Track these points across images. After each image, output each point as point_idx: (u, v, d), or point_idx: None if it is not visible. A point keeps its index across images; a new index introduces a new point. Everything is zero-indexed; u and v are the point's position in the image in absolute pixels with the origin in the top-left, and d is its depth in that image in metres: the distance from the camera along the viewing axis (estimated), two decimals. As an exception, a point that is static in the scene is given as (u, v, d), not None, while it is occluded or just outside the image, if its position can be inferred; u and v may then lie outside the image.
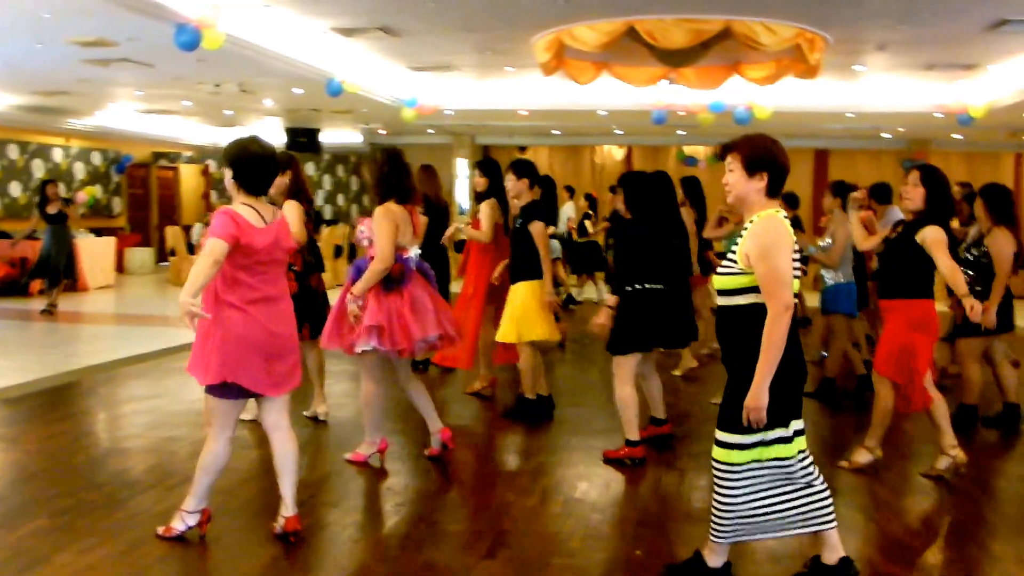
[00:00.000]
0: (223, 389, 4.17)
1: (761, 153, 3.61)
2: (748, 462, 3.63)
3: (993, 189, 6.76)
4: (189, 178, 22.44)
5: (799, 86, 12.32)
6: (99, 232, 17.56)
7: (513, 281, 6.87)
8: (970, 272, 6.64)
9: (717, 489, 3.71)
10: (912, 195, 5.32)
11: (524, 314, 6.72)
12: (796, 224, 10.52)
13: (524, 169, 6.90)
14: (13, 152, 17.34)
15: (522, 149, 22.79)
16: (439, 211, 8.22)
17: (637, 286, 5.73)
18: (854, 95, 14.40)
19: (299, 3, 9.31)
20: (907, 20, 9.50)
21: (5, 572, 3.98)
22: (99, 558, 4.14)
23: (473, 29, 10.47)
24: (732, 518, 3.70)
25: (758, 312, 3.54)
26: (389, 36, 10.72)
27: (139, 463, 5.70)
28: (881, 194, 8.35)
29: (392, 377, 5.69)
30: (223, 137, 21.00)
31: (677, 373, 8.70)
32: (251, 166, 4.22)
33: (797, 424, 3.67)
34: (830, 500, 3.75)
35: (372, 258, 5.34)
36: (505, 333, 6.82)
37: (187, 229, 18.98)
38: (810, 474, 3.71)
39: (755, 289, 3.57)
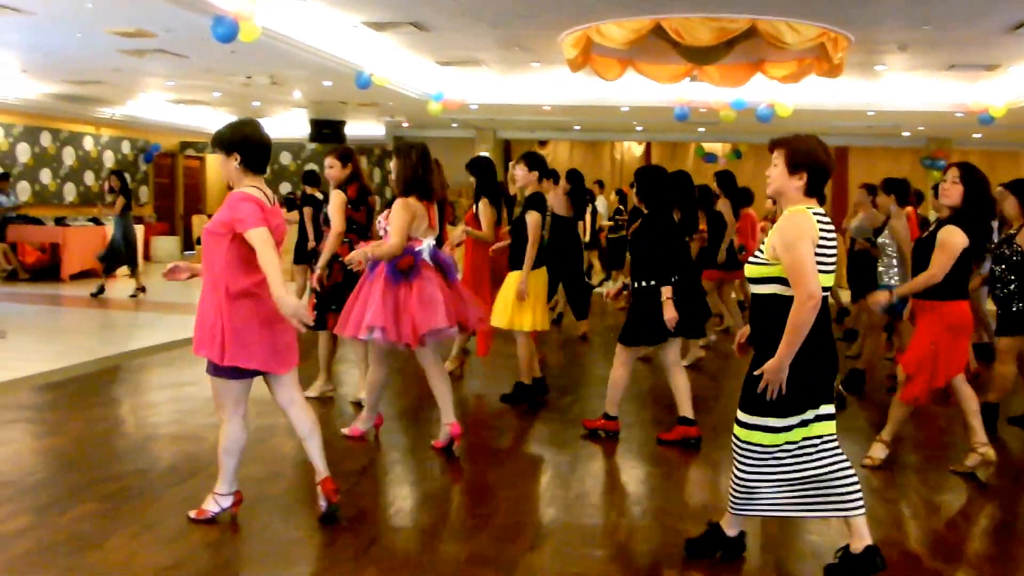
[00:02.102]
0: (234, 371, 4.31)
1: (804, 153, 3.78)
2: (781, 443, 3.82)
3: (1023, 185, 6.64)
4: (215, 168, 22.64)
5: (820, 84, 12.41)
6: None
7: (511, 268, 7.11)
8: (1003, 268, 6.55)
9: (736, 466, 3.92)
10: (950, 192, 5.27)
11: (518, 303, 6.94)
12: None
13: (535, 162, 7.13)
14: (45, 139, 17.61)
15: (542, 144, 22.88)
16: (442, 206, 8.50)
17: (652, 281, 5.93)
18: (875, 94, 14.49)
19: (333, -3, 9.47)
20: (929, 21, 9.59)
21: (59, 554, 4.08)
22: (148, 543, 4.24)
23: (502, 25, 10.59)
24: (747, 494, 3.93)
25: (779, 301, 3.74)
26: (419, 30, 10.84)
27: (179, 450, 5.83)
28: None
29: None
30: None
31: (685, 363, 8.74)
32: (258, 148, 4.32)
33: (826, 408, 3.88)
34: (857, 487, 3.90)
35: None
36: (498, 319, 7.03)
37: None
38: (835, 459, 3.90)
39: (777, 280, 3.76)
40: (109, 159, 19.22)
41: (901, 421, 5.69)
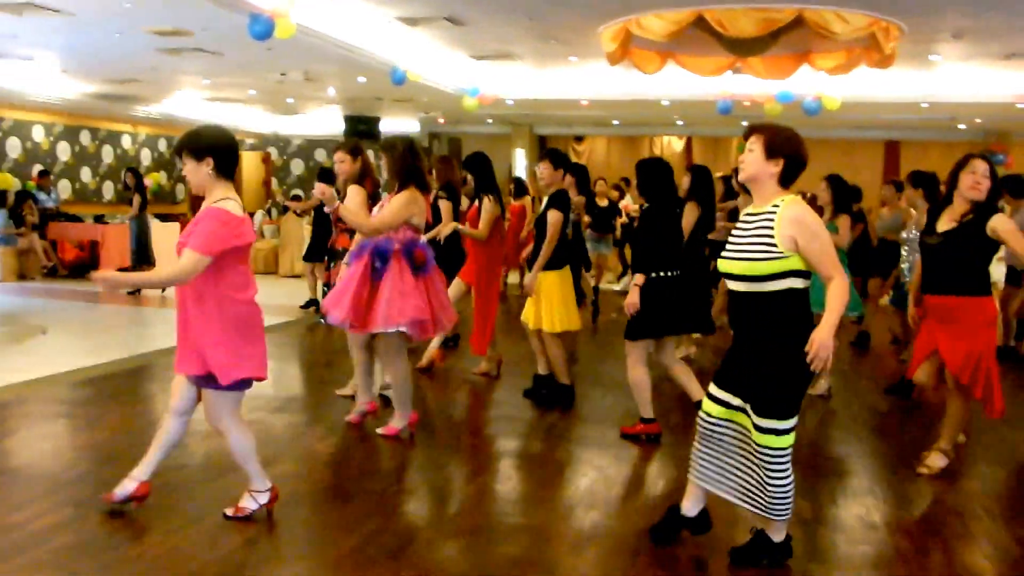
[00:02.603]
0: (239, 383, 4.22)
1: (782, 140, 3.76)
2: (791, 445, 3.80)
3: None
4: (250, 165, 22.75)
5: (870, 76, 12.17)
6: (163, 218, 17.91)
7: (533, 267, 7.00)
8: None
9: (775, 474, 3.79)
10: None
11: (548, 304, 6.85)
12: (860, 217, 10.36)
13: (559, 160, 7.02)
14: (85, 138, 17.82)
15: (579, 139, 22.73)
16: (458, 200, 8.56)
17: (653, 274, 5.85)
18: (929, 85, 14.17)
19: (367, -7, 9.45)
20: (985, 8, 9.34)
21: (99, 548, 4.07)
22: (187, 539, 4.21)
23: (538, 18, 10.51)
24: (790, 496, 3.87)
25: (795, 296, 3.71)
26: (453, 25, 10.77)
27: (215, 446, 5.68)
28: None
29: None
30: (284, 125, 21.25)
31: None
32: (231, 153, 4.22)
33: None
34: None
35: (388, 239, 5.53)
36: (528, 318, 7.00)
37: (249, 216, 19.29)
38: None
39: (793, 273, 3.67)
40: (147, 157, 19.39)
41: (960, 427, 5.47)
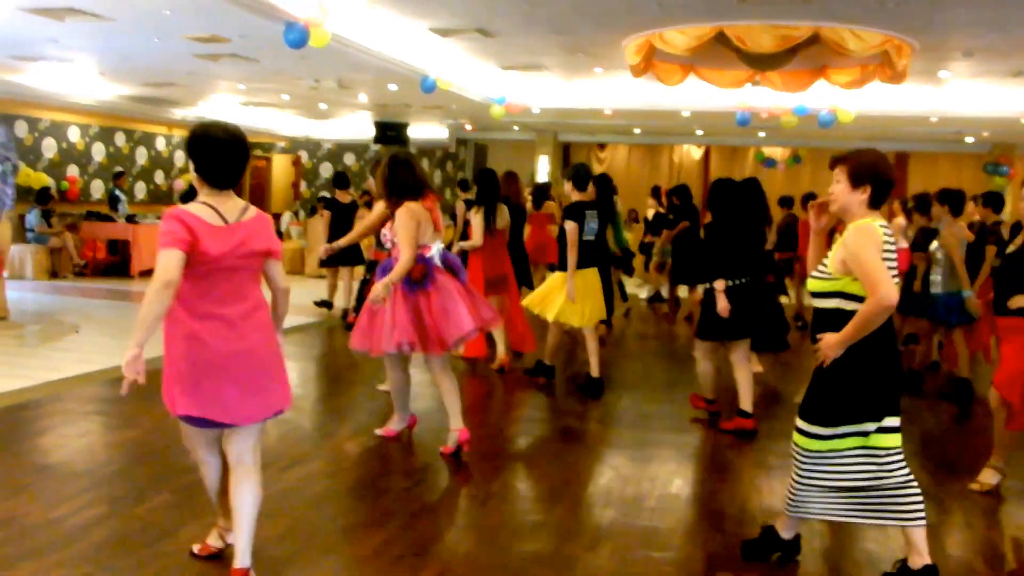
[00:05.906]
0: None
1: (866, 167, 3.83)
2: (826, 451, 3.91)
3: None
4: (280, 168, 23.08)
5: (883, 90, 12.32)
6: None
7: (556, 269, 8.07)
8: None
9: (795, 470, 4.04)
10: None
11: (549, 297, 7.78)
12: None
13: (569, 175, 7.82)
14: (119, 139, 18.14)
15: (601, 147, 22.95)
16: (520, 213, 9.34)
17: (724, 282, 6.50)
18: (939, 100, 14.38)
19: (400, 4, 9.62)
20: (996, 28, 9.50)
21: (136, 543, 4.21)
22: (221, 534, 4.35)
23: (566, 31, 10.68)
24: (799, 497, 4.05)
25: (842, 316, 3.80)
26: (484, 36, 10.97)
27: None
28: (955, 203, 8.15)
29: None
30: (315, 129, 21.52)
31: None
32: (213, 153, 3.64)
33: (890, 421, 3.89)
34: (917, 500, 3.92)
35: (389, 258, 5.76)
36: (531, 303, 8.00)
37: (276, 217, 19.59)
38: (895, 470, 3.93)
39: (840, 294, 3.81)
40: (180, 159, 19.69)
41: (1009, 445, 5.48)
